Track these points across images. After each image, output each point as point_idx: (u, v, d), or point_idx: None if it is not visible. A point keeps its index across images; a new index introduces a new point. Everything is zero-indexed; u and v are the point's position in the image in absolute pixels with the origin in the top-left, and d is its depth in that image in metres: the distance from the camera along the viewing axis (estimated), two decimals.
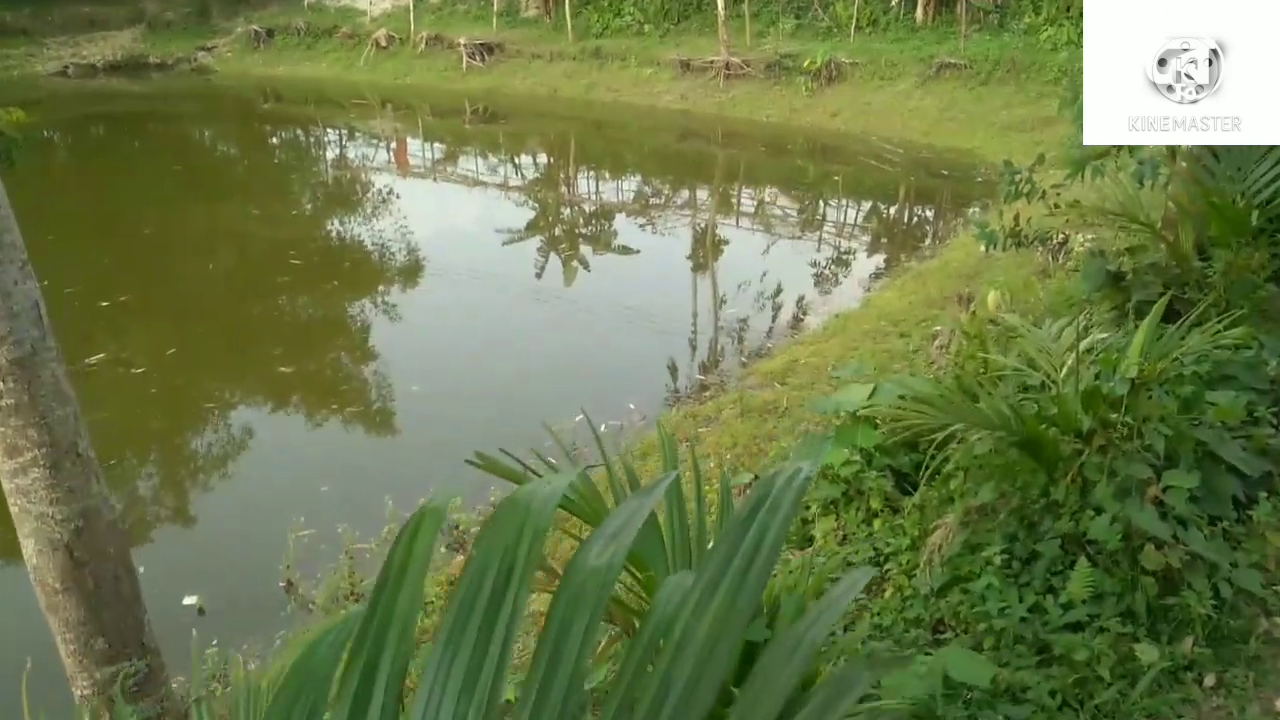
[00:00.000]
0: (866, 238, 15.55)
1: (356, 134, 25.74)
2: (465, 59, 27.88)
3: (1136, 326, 4.13)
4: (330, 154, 23.89)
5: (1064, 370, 3.15)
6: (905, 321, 9.38)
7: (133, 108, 28.54)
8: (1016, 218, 5.47)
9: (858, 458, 3.85)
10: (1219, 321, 3.29)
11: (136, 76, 31.95)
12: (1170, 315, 4.33)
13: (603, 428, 8.26)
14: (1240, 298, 3.82)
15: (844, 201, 18.02)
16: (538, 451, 3.15)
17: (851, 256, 14.17)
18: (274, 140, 24.89)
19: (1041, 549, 2.84)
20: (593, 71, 26.05)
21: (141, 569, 6.36)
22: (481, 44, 27.99)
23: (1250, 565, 2.87)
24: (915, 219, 17.04)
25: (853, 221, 16.81)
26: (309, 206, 17.11)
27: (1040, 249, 6.14)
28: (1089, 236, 8.29)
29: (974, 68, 20.53)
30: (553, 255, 15.06)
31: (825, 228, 16.30)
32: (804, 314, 11.11)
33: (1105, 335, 3.48)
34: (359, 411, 8.78)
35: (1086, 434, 2.83)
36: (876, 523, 3.67)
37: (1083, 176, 5.60)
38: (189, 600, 6.04)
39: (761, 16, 25.45)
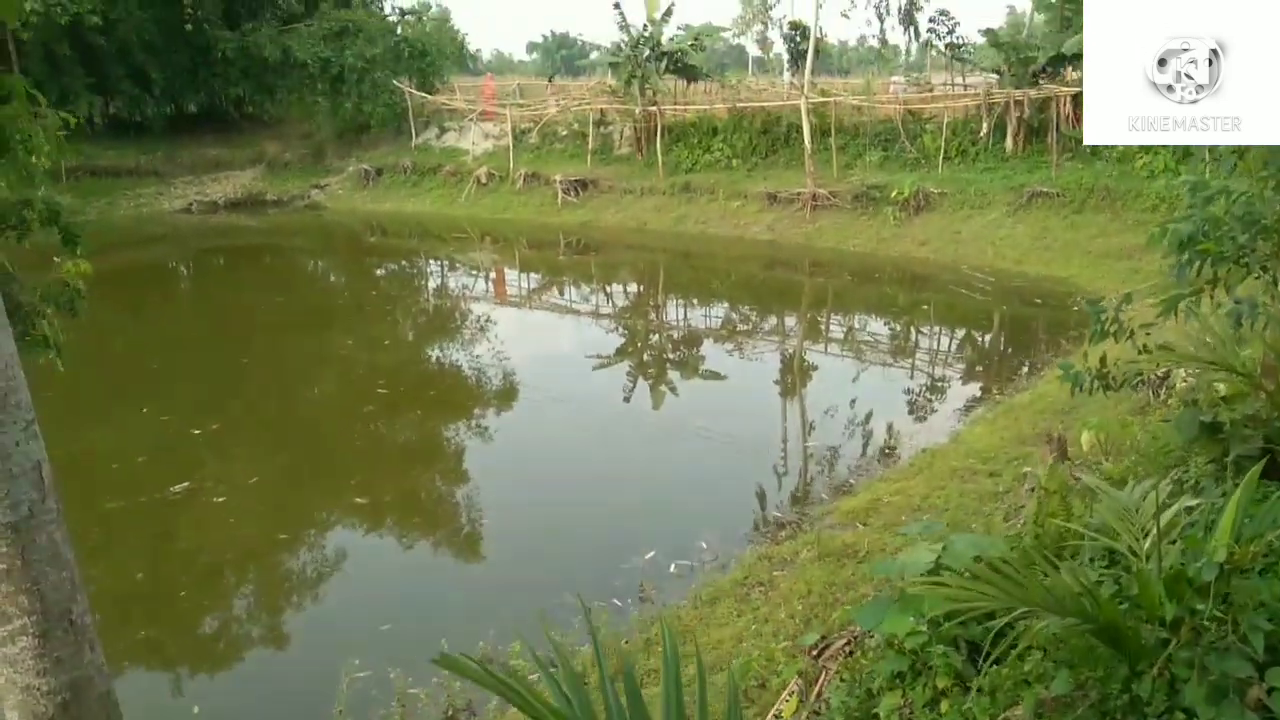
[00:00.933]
0: (957, 367, 15.12)
1: (457, 265, 26.68)
2: (560, 195, 28.86)
3: (1235, 484, 3.74)
4: (430, 284, 24.74)
5: (1147, 542, 2.82)
6: (995, 460, 8.91)
7: (247, 241, 30.24)
8: (1103, 359, 5.13)
9: (924, 627, 3.52)
10: None
11: (254, 213, 33.96)
12: (1273, 471, 3.93)
13: (672, 568, 7.99)
14: None
15: (935, 329, 17.66)
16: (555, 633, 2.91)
17: (943, 386, 13.76)
18: (376, 272, 25.94)
19: None
20: (682, 205, 26.61)
21: (195, 708, 6.34)
22: (576, 180, 28.98)
23: None
24: (1008, 349, 16.52)
25: (943, 350, 16.41)
26: (402, 336, 17.60)
27: (1137, 387, 5.75)
28: (1190, 372, 7.81)
29: (1066, 195, 20.21)
30: (640, 380, 15.10)
31: (915, 356, 15.94)
32: (891, 447, 10.73)
33: (1195, 502, 3.12)
34: (428, 546, 8.70)
35: (1172, 623, 2.48)
36: (944, 704, 3.30)
37: (1175, 314, 5.26)
38: None
39: (849, 149, 25.76)
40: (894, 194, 22.23)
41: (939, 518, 7.79)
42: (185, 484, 9.63)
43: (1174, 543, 2.85)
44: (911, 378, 14.55)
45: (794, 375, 15.13)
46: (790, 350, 16.83)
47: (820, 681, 4.43)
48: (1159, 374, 8.05)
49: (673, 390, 14.53)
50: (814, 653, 4.70)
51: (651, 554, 8.15)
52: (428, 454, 11.04)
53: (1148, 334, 5.19)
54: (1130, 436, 7.01)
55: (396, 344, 16.49)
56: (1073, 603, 2.50)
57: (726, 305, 21.14)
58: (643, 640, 6.52)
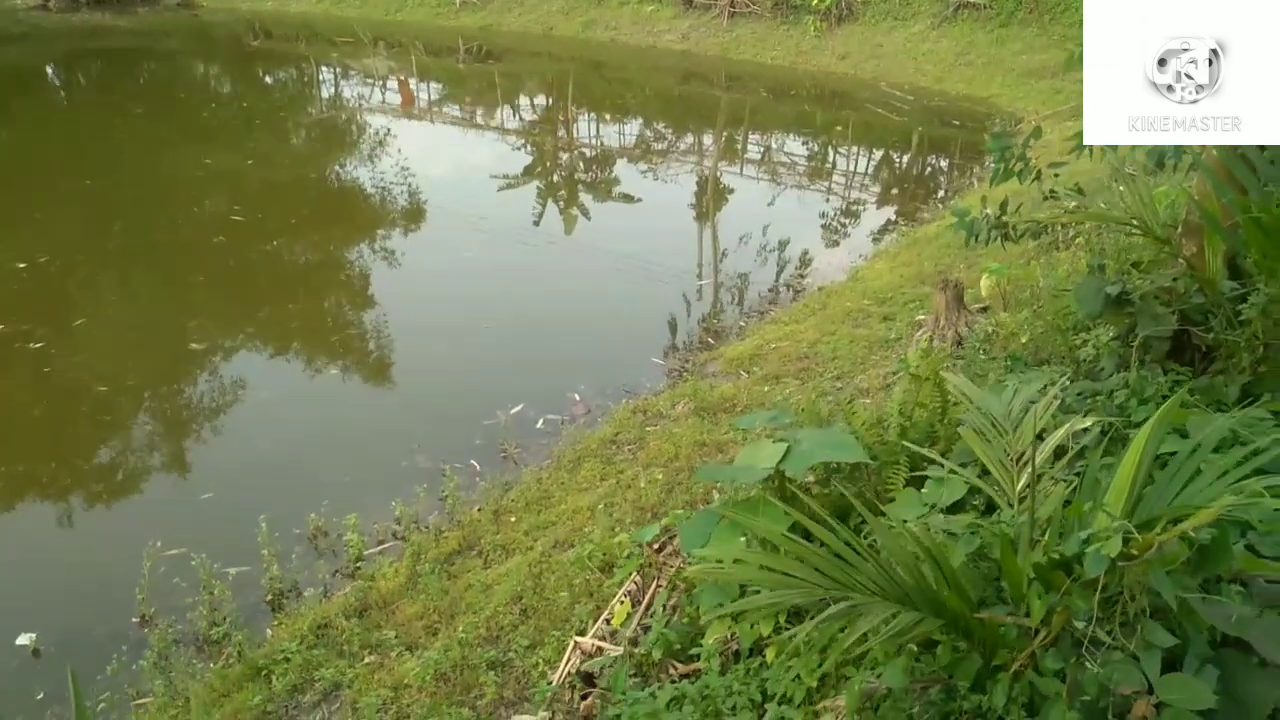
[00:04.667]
0: (870, 194, 14.38)
1: (350, 72, 24.54)
2: None
3: (1141, 370, 3.10)
4: (315, 94, 22.74)
5: (1021, 480, 2.16)
6: (892, 300, 8.32)
7: (114, 44, 27.34)
8: (1004, 205, 4.39)
9: (757, 548, 2.89)
10: (1249, 396, 2.27)
11: (121, 10, 30.72)
12: (1181, 351, 3.30)
13: (540, 423, 7.32)
14: None
15: (850, 151, 16.81)
16: None
17: (847, 221, 13.06)
18: (257, 81, 23.69)
19: None
20: (591, 8, 24.64)
21: None
22: None
23: None
24: (922, 173, 15.80)
25: (856, 177, 15.63)
26: (272, 155, 15.99)
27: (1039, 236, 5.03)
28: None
29: (994, 7, 19.04)
30: (551, 202, 14.16)
31: (830, 180, 15.18)
32: (787, 285, 10.05)
33: (1088, 423, 2.44)
34: (270, 400, 7.84)
35: (1042, 615, 1.85)
36: (770, 651, 2.71)
37: (1089, 152, 4.50)
38: (22, 640, 5.16)
39: None
40: (815, 1, 20.74)
41: (825, 367, 7.23)
42: None
43: (1056, 483, 2.20)
44: (827, 201, 13.90)
45: (709, 200, 14.29)
46: (706, 172, 15.89)
47: (655, 585, 3.84)
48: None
49: (585, 214, 13.66)
50: (655, 547, 4.10)
51: (519, 407, 7.46)
52: (281, 292, 9.93)
53: (1056, 174, 4.45)
54: (1032, 282, 6.41)
55: (263, 164, 14.93)
56: (914, 583, 1.82)
57: (640, 121, 19.95)
58: (492, 513, 5.89)
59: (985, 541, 2.02)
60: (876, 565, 1.82)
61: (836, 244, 11.96)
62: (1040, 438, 2.32)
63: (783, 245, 11.17)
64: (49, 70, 24.62)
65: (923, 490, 2.88)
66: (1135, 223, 3.19)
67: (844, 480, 3.25)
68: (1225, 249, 3.06)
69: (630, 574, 4.07)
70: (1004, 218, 4.33)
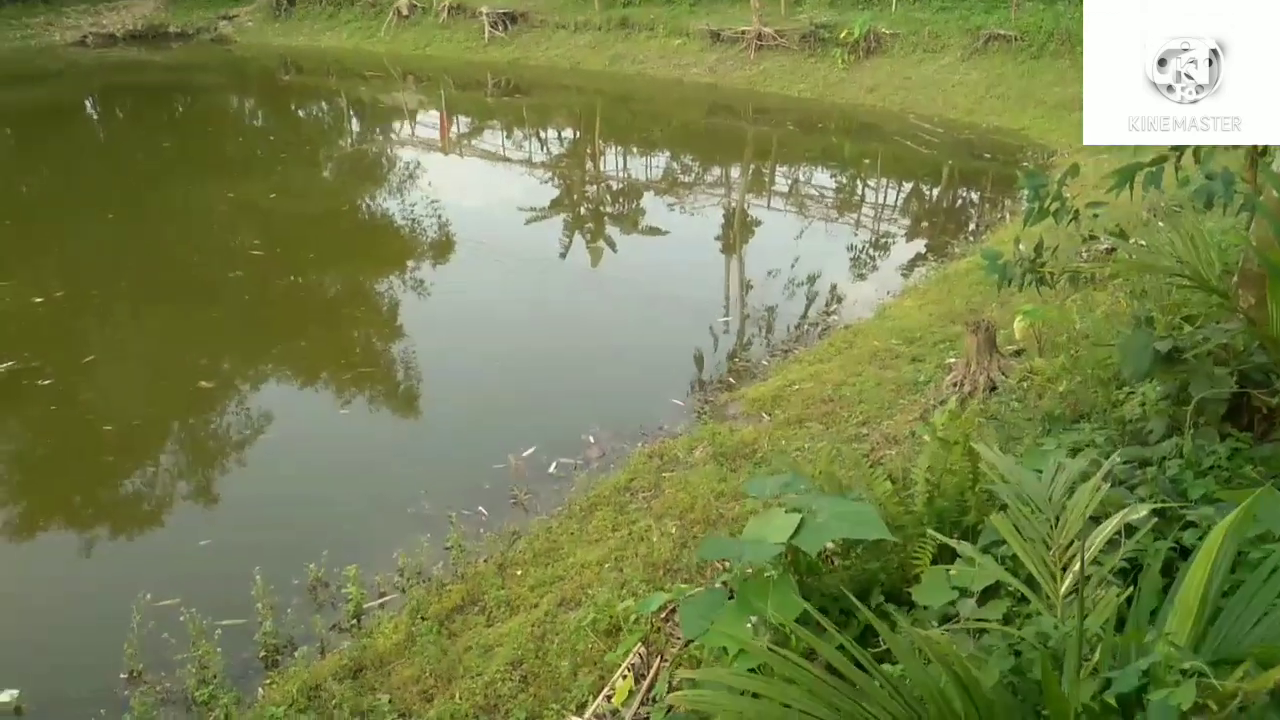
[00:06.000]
0: (898, 229, 14.05)
1: (379, 105, 24.67)
2: (488, 29, 26.63)
3: (1195, 437, 2.78)
4: (345, 128, 22.83)
5: (1064, 582, 1.87)
6: (921, 340, 7.99)
7: (150, 79, 27.73)
8: (1039, 247, 4.10)
9: (766, 635, 2.60)
10: None
11: (157, 46, 31.18)
12: (1239, 412, 2.98)
13: (553, 467, 7.04)
14: None
15: (878, 185, 16.53)
16: None
17: (875, 254, 12.73)
18: (287, 115, 23.85)
19: None
20: (618, 42, 24.62)
21: None
22: (505, 13, 26.71)
23: None
24: (951, 208, 15.46)
25: (884, 212, 15.30)
26: (292, 188, 15.95)
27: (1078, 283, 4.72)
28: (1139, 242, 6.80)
29: (1025, 39, 18.74)
30: (577, 235, 14.02)
31: (853, 217, 14.85)
32: (814, 323, 9.74)
33: (1142, 513, 2.14)
34: (278, 441, 7.63)
35: None
36: None
37: (1130, 190, 4.20)
38: (3, 697, 4.95)
39: None
40: (843, 34, 20.57)
41: (850, 411, 6.91)
42: (9, 363, 8.40)
43: (1106, 584, 1.91)
44: (855, 234, 13.58)
45: (735, 233, 14.05)
46: (732, 205, 15.68)
47: (659, 661, 3.55)
48: (1104, 249, 7.07)
49: (611, 247, 13.48)
50: (663, 616, 3.81)
51: (531, 450, 7.19)
52: (294, 329, 9.75)
53: (1095, 215, 4.15)
54: (1068, 324, 6.08)
55: (287, 197, 14.89)
56: (935, 711, 1.54)
57: (667, 154, 19.81)
58: (497, 565, 5.62)
59: (1025, 658, 1.73)
60: (891, 692, 1.54)
61: (863, 278, 11.67)
62: (1095, 520, 2.02)
63: (812, 280, 10.91)
64: (87, 105, 24.96)
65: (951, 571, 2.57)
66: (1186, 272, 2.90)
67: (866, 552, 2.95)
68: None
69: (634, 645, 3.78)
70: (1039, 261, 4.03)
